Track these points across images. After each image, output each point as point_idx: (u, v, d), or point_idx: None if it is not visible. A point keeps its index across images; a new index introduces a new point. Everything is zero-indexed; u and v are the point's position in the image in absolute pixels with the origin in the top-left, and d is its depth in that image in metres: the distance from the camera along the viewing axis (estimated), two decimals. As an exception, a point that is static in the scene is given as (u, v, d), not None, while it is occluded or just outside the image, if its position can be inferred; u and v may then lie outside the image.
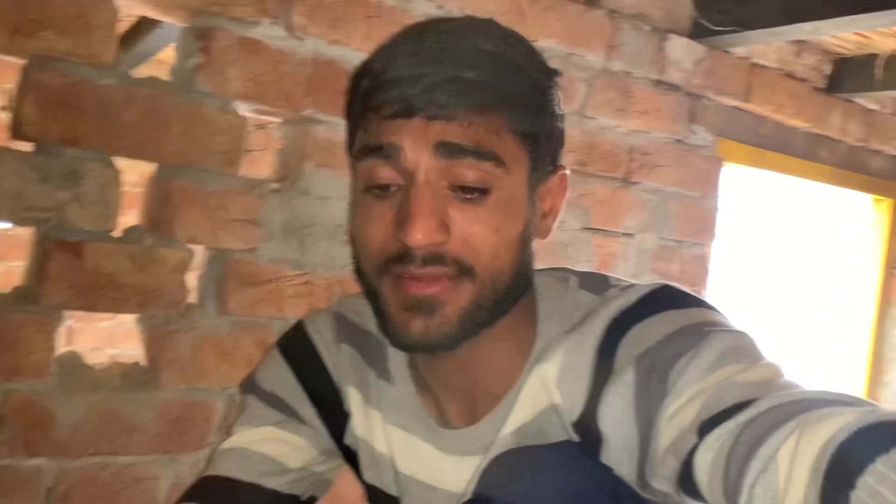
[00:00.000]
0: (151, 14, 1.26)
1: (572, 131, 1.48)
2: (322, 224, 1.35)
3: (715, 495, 0.54)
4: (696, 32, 1.88)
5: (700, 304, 0.69)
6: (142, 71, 1.19)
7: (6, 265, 2.75)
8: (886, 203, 2.58)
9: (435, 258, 0.64)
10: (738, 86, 2.01)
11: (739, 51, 2.00)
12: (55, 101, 1.09)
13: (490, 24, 0.71)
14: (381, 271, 0.67)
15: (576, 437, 0.70)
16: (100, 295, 1.15)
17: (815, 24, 1.68)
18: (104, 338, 3.30)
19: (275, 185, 1.32)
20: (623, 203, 1.82)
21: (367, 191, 0.67)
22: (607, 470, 0.67)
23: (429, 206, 0.63)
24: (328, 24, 1.33)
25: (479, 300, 0.67)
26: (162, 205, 1.21)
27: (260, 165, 2.77)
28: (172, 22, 1.28)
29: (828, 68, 2.23)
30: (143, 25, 2.14)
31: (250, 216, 1.28)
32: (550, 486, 0.65)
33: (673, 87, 1.88)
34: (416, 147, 0.63)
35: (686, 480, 0.56)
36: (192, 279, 1.26)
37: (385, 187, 0.66)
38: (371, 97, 0.66)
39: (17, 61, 1.11)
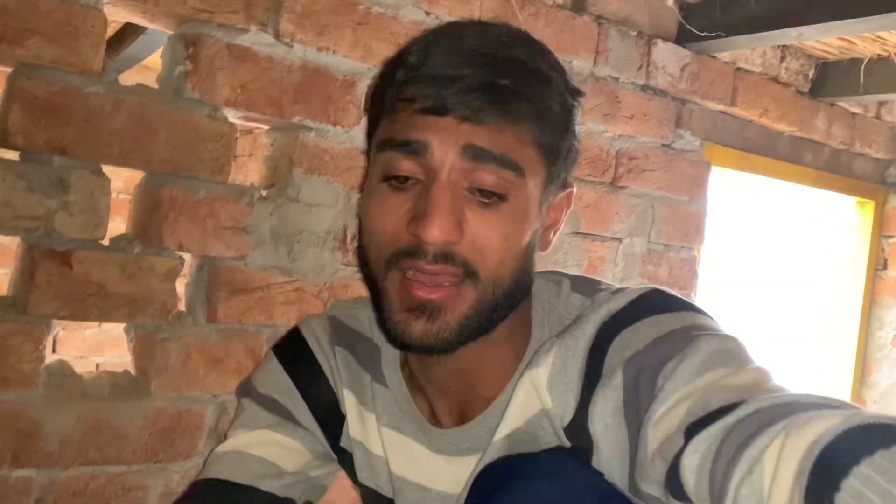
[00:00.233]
0: (139, 21, 1.26)
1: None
2: (311, 231, 1.35)
3: (701, 497, 0.54)
4: (682, 38, 1.89)
5: (689, 307, 0.70)
6: (126, 76, 1.18)
7: (-9, 273, 2.72)
8: (869, 205, 2.61)
9: (446, 256, 0.65)
10: (723, 90, 2.03)
11: (725, 56, 2.02)
12: (42, 109, 1.09)
13: (525, 35, 0.72)
14: (389, 264, 0.67)
15: (567, 443, 0.70)
16: (89, 304, 1.14)
17: (799, 30, 1.69)
18: (90, 346, 3.28)
19: (264, 192, 1.32)
20: (611, 207, 1.83)
21: (385, 180, 0.67)
22: (599, 476, 0.67)
23: (449, 204, 0.64)
24: (316, 31, 1.33)
25: (479, 306, 0.68)
26: (150, 213, 1.20)
27: (246, 171, 2.78)
28: (160, 29, 1.28)
29: (812, 72, 2.25)
30: (128, 31, 2.13)
31: (239, 223, 1.28)
32: (542, 495, 0.66)
33: (659, 92, 1.89)
34: (443, 146, 0.64)
35: (673, 483, 0.57)
36: (181, 287, 1.25)
37: (404, 179, 0.66)
38: (405, 89, 0.67)
39: (4, 69, 1.10)
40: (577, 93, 0.72)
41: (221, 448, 0.83)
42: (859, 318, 2.61)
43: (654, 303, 0.70)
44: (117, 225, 1.19)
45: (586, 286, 0.77)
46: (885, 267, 2.63)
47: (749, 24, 1.76)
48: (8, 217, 1.07)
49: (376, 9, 1.40)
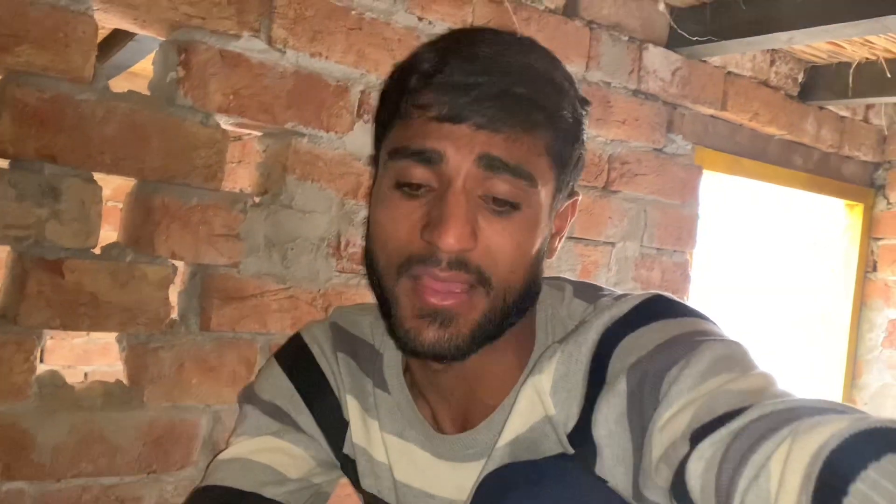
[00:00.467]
0: (131, 28, 1.25)
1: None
2: (305, 237, 1.34)
3: (707, 503, 0.54)
4: (673, 42, 1.90)
5: (692, 313, 0.70)
6: (114, 83, 1.17)
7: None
8: (858, 208, 2.63)
9: (460, 263, 0.65)
10: (714, 95, 2.04)
11: (715, 60, 2.03)
12: (33, 116, 1.07)
13: (536, 43, 0.72)
14: (400, 271, 0.67)
15: (570, 450, 0.70)
16: (80, 313, 1.13)
17: (789, 34, 1.71)
18: (78, 355, 3.25)
19: (257, 199, 1.31)
20: (604, 212, 1.83)
21: (398, 188, 0.67)
22: (602, 483, 0.67)
23: (464, 212, 0.64)
24: (309, 37, 1.32)
25: (490, 314, 0.67)
26: (143, 220, 1.19)
27: (235, 178, 2.76)
28: (152, 36, 1.27)
29: (801, 76, 2.27)
30: (116, 38, 2.12)
31: (232, 231, 1.27)
32: (546, 503, 0.65)
33: (651, 97, 1.90)
34: (458, 154, 0.64)
35: (679, 489, 0.56)
36: (174, 295, 1.24)
37: (417, 186, 0.66)
38: (419, 96, 0.66)
39: (-6, 77, 1.09)
40: (585, 102, 0.73)
41: (224, 455, 0.82)
42: (850, 321, 2.63)
43: (656, 308, 0.70)
44: (106, 233, 1.17)
45: (588, 292, 0.77)
46: (874, 269, 2.65)
47: (739, 29, 1.77)
48: (-2, 226, 1.06)
49: (369, 14, 1.40)
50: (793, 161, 2.35)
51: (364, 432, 0.82)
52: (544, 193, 0.68)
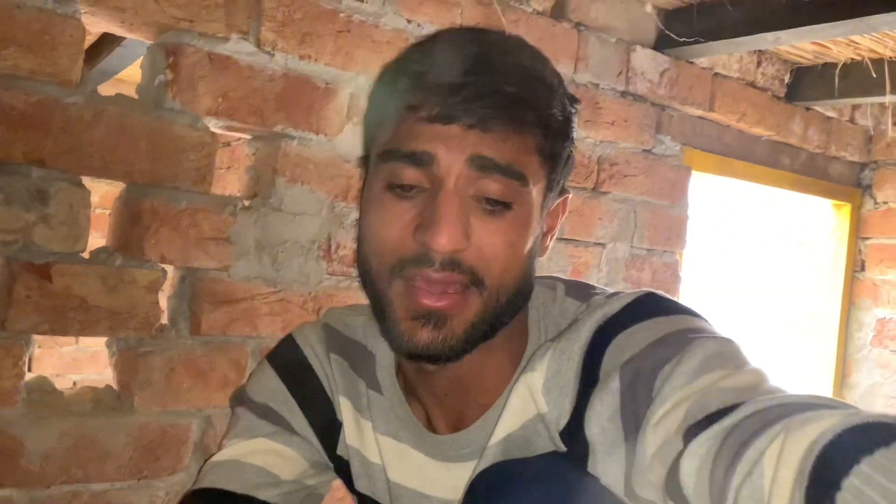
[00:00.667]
0: (118, 31, 1.24)
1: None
2: (296, 240, 1.34)
3: (701, 500, 0.54)
4: (661, 44, 1.91)
5: (683, 311, 0.70)
6: (102, 90, 1.16)
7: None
8: (846, 208, 2.64)
9: (453, 264, 0.65)
10: (702, 96, 2.05)
11: (702, 61, 2.04)
12: (20, 120, 1.07)
13: (525, 42, 0.72)
14: (393, 273, 0.67)
15: (562, 448, 0.70)
16: (69, 318, 1.12)
17: (775, 35, 1.72)
18: (67, 363, 3.23)
19: (247, 202, 1.31)
20: (594, 213, 1.84)
21: (389, 189, 0.67)
22: (595, 480, 0.67)
23: (456, 213, 0.64)
24: (298, 39, 1.32)
25: (484, 314, 0.67)
26: (132, 224, 1.18)
27: (224, 183, 2.75)
28: (140, 39, 1.26)
29: (787, 77, 2.28)
30: (104, 43, 2.11)
31: (222, 234, 1.26)
32: (539, 500, 0.65)
33: (639, 98, 1.91)
34: (449, 155, 0.64)
35: (672, 486, 0.56)
36: (163, 300, 1.24)
37: (408, 187, 0.66)
38: (409, 97, 0.66)
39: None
40: (574, 100, 0.73)
41: (217, 457, 0.82)
42: (839, 320, 2.64)
43: (649, 306, 0.70)
44: (95, 240, 1.17)
45: (581, 290, 0.77)
46: (862, 269, 2.67)
47: (726, 30, 1.78)
48: (-15, 230, 1.05)
49: (357, 17, 1.40)
50: (780, 161, 2.37)
51: (357, 433, 0.82)
52: (535, 192, 0.68)
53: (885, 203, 2.63)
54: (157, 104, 1.20)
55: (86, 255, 1.15)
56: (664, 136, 1.99)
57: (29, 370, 1.14)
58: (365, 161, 0.75)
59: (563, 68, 1.72)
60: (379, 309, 0.70)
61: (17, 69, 1.06)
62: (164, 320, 1.24)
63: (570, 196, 0.78)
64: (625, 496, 0.65)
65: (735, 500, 0.50)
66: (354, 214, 1.38)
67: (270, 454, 0.81)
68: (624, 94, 1.87)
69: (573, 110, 0.72)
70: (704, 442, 0.54)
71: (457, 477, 0.75)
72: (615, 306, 0.71)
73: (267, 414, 0.83)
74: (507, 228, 0.66)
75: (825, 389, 2.64)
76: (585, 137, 1.80)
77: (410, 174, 0.65)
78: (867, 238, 2.66)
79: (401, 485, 0.79)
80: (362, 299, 0.75)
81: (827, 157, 2.53)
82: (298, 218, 1.34)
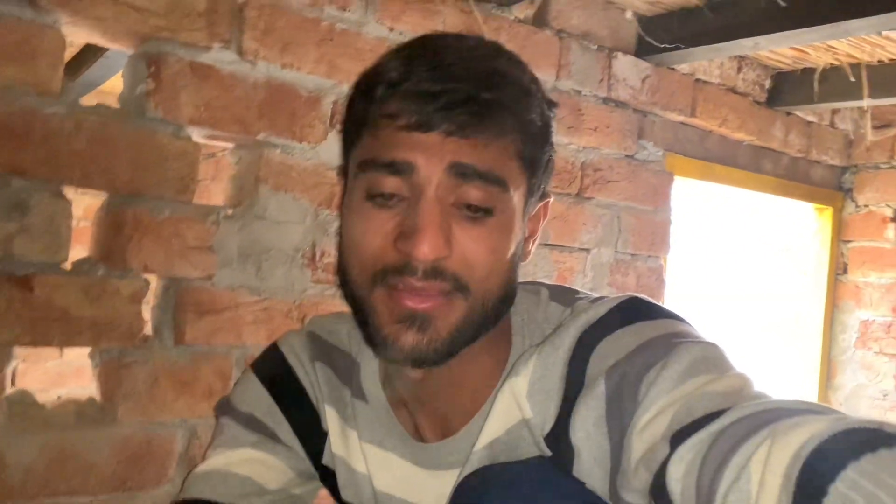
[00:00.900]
0: (99, 41, 1.24)
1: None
2: (279, 248, 1.34)
3: None
4: (642, 50, 1.93)
5: (668, 315, 0.70)
6: (85, 101, 1.16)
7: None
8: (828, 211, 2.67)
9: (436, 272, 0.64)
10: (683, 101, 2.06)
11: (684, 67, 2.05)
12: (0, 130, 1.06)
13: (502, 46, 0.72)
14: (375, 282, 0.66)
15: (547, 452, 0.69)
16: (51, 329, 1.11)
17: (754, 40, 1.74)
18: (51, 378, 3.19)
19: (230, 211, 1.30)
20: (578, 218, 1.84)
21: (369, 198, 0.66)
22: (580, 484, 0.67)
23: (438, 221, 0.64)
24: (280, 48, 1.32)
25: (469, 317, 0.67)
26: (114, 234, 1.18)
27: (209, 194, 2.74)
28: (121, 49, 1.26)
29: (767, 83, 2.31)
30: (87, 54, 2.10)
31: (206, 243, 1.26)
32: (524, 503, 0.65)
33: (621, 105, 1.92)
34: (429, 163, 0.64)
35: (659, 492, 0.56)
36: (147, 310, 1.23)
37: (388, 196, 0.66)
38: (386, 105, 0.65)
39: (-41, 91, 1.08)
40: (552, 104, 0.73)
41: (202, 468, 0.81)
42: (823, 323, 2.66)
43: (633, 311, 0.70)
44: (78, 253, 1.16)
45: (564, 295, 0.77)
46: (845, 271, 2.69)
47: (706, 36, 1.80)
48: (-35, 242, 1.04)
49: (340, 25, 1.40)
50: (762, 166, 2.39)
51: (343, 442, 0.82)
52: (517, 197, 0.68)
53: (866, 206, 2.65)
54: (138, 114, 1.19)
55: (67, 265, 1.14)
56: (647, 141, 2.00)
57: (12, 385, 1.13)
58: (344, 169, 0.74)
59: (546, 76, 1.73)
60: (362, 316, 0.69)
61: (-4, 79, 1.06)
62: (148, 330, 1.23)
63: (552, 200, 0.78)
64: (610, 500, 0.65)
65: None
66: (338, 222, 1.38)
67: (256, 464, 0.81)
68: (606, 100, 1.89)
69: (552, 114, 0.72)
70: (691, 447, 0.54)
71: (444, 485, 0.75)
72: (599, 311, 0.70)
73: (252, 423, 0.83)
74: (489, 235, 0.66)
75: (810, 392, 2.66)
76: (569, 144, 1.81)
77: (390, 183, 0.65)
78: (849, 241, 2.69)
79: (387, 494, 0.78)
80: (347, 307, 0.74)
81: (808, 161, 2.55)
82: (282, 226, 1.34)
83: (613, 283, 1.93)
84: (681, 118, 2.09)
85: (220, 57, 1.26)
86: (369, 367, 0.81)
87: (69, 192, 1.14)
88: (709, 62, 2.11)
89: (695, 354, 0.62)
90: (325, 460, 0.84)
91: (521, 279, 0.75)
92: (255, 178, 1.32)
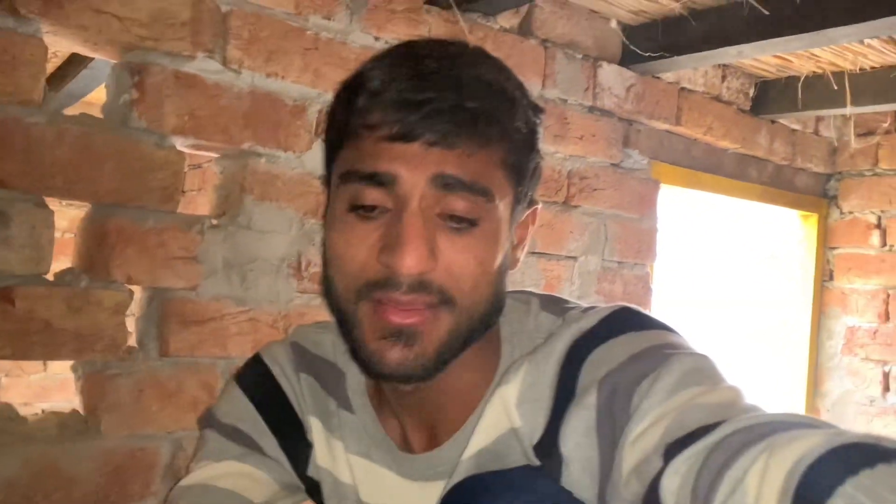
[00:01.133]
0: (82, 51, 1.23)
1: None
2: (265, 258, 1.33)
3: None
4: (626, 59, 1.94)
5: (660, 326, 0.70)
6: (69, 112, 1.15)
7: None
8: (813, 218, 2.68)
9: (421, 286, 0.63)
10: (668, 110, 2.07)
11: (668, 76, 2.07)
12: (-20, 140, 1.05)
13: (485, 53, 0.71)
14: (360, 296, 0.65)
15: (536, 461, 0.69)
16: (33, 342, 1.10)
17: (737, 48, 1.75)
18: (35, 391, 3.16)
19: (215, 221, 1.29)
20: (565, 226, 1.85)
21: (352, 210, 0.66)
22: (568, 494, 0.66)
23: (421, 233, 0.63)
24: (265, 57, 1.32)
25: (456, 331, 0.66)
26: (97, 245, 1.17)
27: (196, 205, 2.73)
28: (104, 58, 1.25)
29: (752, 91, 2.32)
30: (71, 65, 2.09)
31: (190, 253, 1.25)
32: None
33: (606, 113, 1.93)
34: (412, 175, 0.63)
35: None
36: (130, 321, 1.22)
37: (371, 208, 0.65)
38: (368, 115, 0.64)
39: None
40: (538, 110, 0.72)
41: (185, 482, 0.80)
42: (809, 329, 2.67)
43: (625, 321, 0.70)
44: (62, 265, 1.15)
45: (555, 305, 0.76)
46: (831, 278, 2.70)
47: (690, 45, 1.81)
48: (-55, 253, 1.03)
49: (325, 34, 1.40)
50: (748, 174, 2.40)
51: (328, 454, 0.81)
52: (503, 207, 0.67)
53: (851, 213, 2.67)
54: (122, 123, 1.19)
55: (50, 276, 1.13)
56: (632, 150, 2.01)
57: (-6, 398, 1.11)
58: (327, 180, 0.74)
59: (531, 84, 1.74)
60: (346, 331, 0.68)
61: (-24, 89, 1.05)
62: (132, 342, 1.22)
63: (540, 207, 0.78)
64: (598, 510, 0.64)
65: None
66: (323, 233, 1.37)
67: (240, 477, 0.79)
68: (591, 109, 1.89)
69: (537, 121, 0.71)
70: (686, 460, 0.53)
71: (431, 496, 0.74)
72: (591, 320, 0.70)
73: (236, 436, 0.81)
74: (475, 245, 0.65)
75: (798, 398, 2.66)
76: (555, 152, 1.81)
77: (373, 195, 0.64)
78: (835, 248, 2.70)
79: None
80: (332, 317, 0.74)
81: (793, 168, 2.57)
82: (268, 236, 1.33)
83: (601, 290, 1.93)
84: (666, 126, 2.10)
85: (205, 66, 1.25)
86: (355, 377, 0.80)
87: (51, 202, 1.13)
88: (693, 71, 2.13)
89: (687, 366, 0.62)
90: (311, 472, 0.83)
91: (509, 287, 0.75)
92: (241, 187, 1.31)
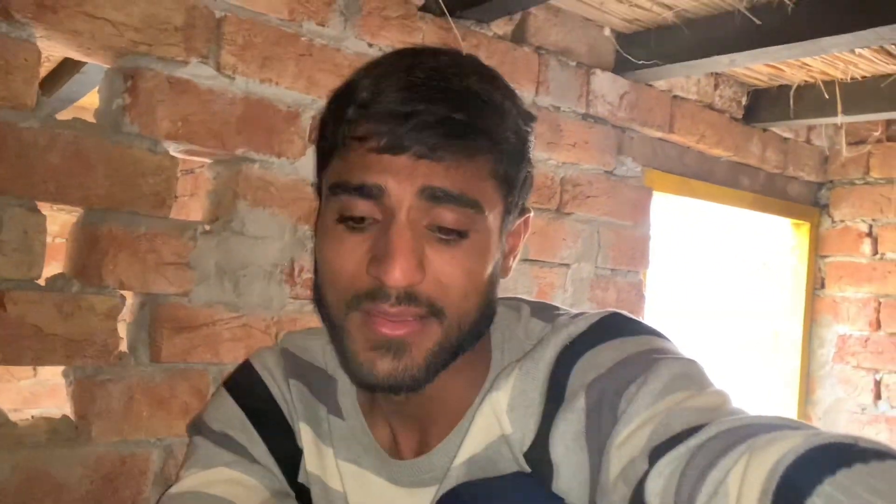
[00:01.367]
0: (75, 55, 1.23)
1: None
2: (258, 264, 1.33)
3: None
4: (620, 67, 1.94)
5: (649, 331, 0.70)
6: (61, 117, 1.14)
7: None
8: (805, 227, 2.69)
9: (409, 297, 0.63)
10: (661, 118, 2.08)
11: (661, 84, 2.08)
12: (-28, 145, 1.05)
13: (476, 62, 0.71)
14: (350, 307, 0.66)
15: (526, 468, 0.69)
16: (24, 347, 1.09)
17: (730, 57, 1.76)
18: (25, 397, 3.15)
19: (207, 227, 1.29)
20: (558, 234, 1.85)
21: (341, 221, 0.66)
22: (559, 500, 0.66)
23: (410, 245, 0.63)
24: (258, 63, 1.32)
25: (445, 342, 0.66)
26: (89, 250, 1.16)
27: (188, 211, 2.72)
28: (97, 63, 1.25)
29: (744, 99, 2.33)
30: (64, 70, 2.09)
31: (183, 258, 1.24)
32: None
33: (600, 121, 1.93)
34: (400, 187, 0.63)
35: None
36: (122, 327, 1.21)
37: (360, 219, 0.65)
38: (356, 127, 0.64)
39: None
40: (529, 118, 0.72)
41: (175, 489, 0.79)
42: (801, 337, 2.68)
43: (614, 326, 0.70)
44: (53, 270, 1.14)
45: (546, 312, 0.77)
46: (822, 286, 2.71)
47: (683, 53, 1.82)
48: (-65, 258, 1.02)
49: (319, 41, 1.40)
50: (740, 182, 2.41)
51: (318, 460, 0.80)
52: (492, 217, 0.67)
53: (842, 221, 2.69)
54: (115, 128, 1.18)
55: (41, 281, 1.12)
56: (625, 157, 2.02)
57: (-16, 403, 1.10)
58: (318, 188, 0.74)
59: (525, 92, 1.74)
60: (338, 341, 0.69)
61: (-31, 93, 1.04)
62: (123, 347, 1.22)
63: (532, 215, 0.78)
64: (588, 516, 0.64)
65: None
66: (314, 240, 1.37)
67: (230, 484, 0.79)
68: (585, 116, 1.90)
69: (528, 130, 0.71)
70: (670, 462, 0.54)
71: (420, 502, 0.74)
72: (580, 326, 0.70)
73: (225, 442, 0.81)
74: (464, 257, 0.65)
75: (790, 406, 2.67)
76: (548, 159, 1.82)
77: (361, 206, 0.64)
78: (826, 256, 2.71)
79: None
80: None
81: (785, 177, 2.58)
82: (260, 241, 1.33)
83: (593, 298, 1.93)
84: (659, 134, 2.11)
85: (198, 71, 1.25)
86: (346, 383, 0.80)
87: (43, 207, 1.12)
88: (686, 79, 2.14)
89: (674, 371, 0.62)
90: (301, 479, 0.82)
91: (501, 294, 0.75)
92: (233, 193, 1.31)
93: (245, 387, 0.84)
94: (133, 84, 1.19)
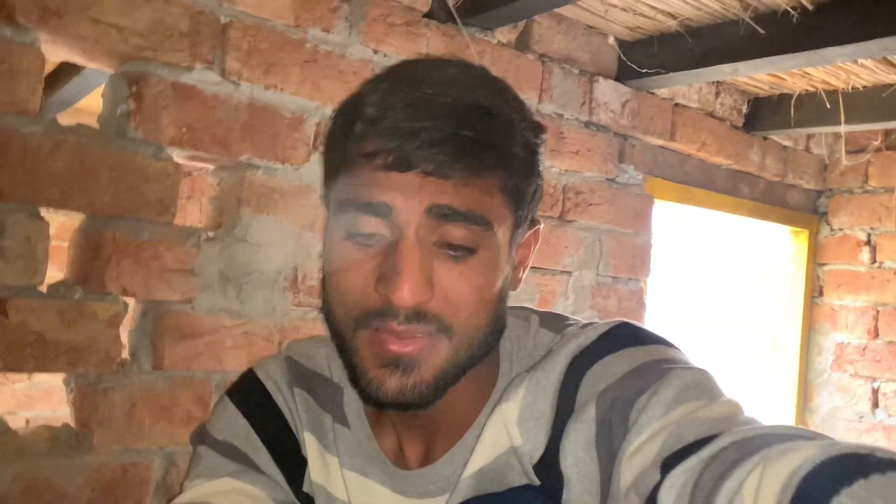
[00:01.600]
0: (79, 61, 1.22)
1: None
2: (261, 272, 1.32)
3: None
4: (622, 75, 1.94)
5: (658, 340, 0.70)
6: (62, 119, 1.13)
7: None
8: (804, 234, 2.70)
9: (418, 315, 0.63)
10: (663, 125, 2.08)
11: (663, 92, 2.08)
12: (-24, 150, 1.04)
13: (485, 74, 0.70)
14: (358, 324, 0.65)
15: (536, 481, 0.68)
16: (25, 354, 1.08)
17: (733, 66, 1.76)
18: (19, 400, 3.12)
19: (211, 233, 1.28)
20: (560, 241, 1.85)
21: (349, 237, 0.65)
22: (569, 514, 0.66)
23: (418, 264, 0.62)
24: (263, 69, 1.31)
25: (454, 358, 0.66)
26: (92, 256, 1.15)
27: (185, 214, 2.71)
28: (102, 69, 1.24)
29: (745, 107, 2.34)
30: (62, 72, 2.07)
31: (186, 265, 1.23)
32: None
33: (602, 128, 1.93)
34: (407, 205, 0.62)
35: None
36: (125, 334, 1.20)
37: (368, 236, 0.64)
38: (364, 143, 0.64)
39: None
40: (538, 129, 0.71)
41: (180, 500, 0.79)
42: (799, 345, 2.68)
43: (624, 336, 0.70)
44: (52, 273, 1.13)
45: (554, 322, 0.76)
46: (820, 294, 2.72)
47: (686, 62, 1.82)
48: (-63, 264, 1.01)
49: (323, 47, 1.39)
50: (740, 190, 2.42)
51: (323, 470, 0.80)
52: (501, 233, 0.66)
53: (841, 230, 2.69)
54: (119, 134, 1.18)
55: (43, 288, 1.11)
56: (627, 165, 2.02)
57: (-18, 409, 1.09)
58: (326, 199, 0.73)
59: (528, 99, 1.74)
60: (346, 357, 0.68)
61: (-27, 98, 1.03)
62: (126, 355, 1.21)
63: (542, 227, 0.78)
64: (600, 527, 0.64)
65: None
66: (321, 249, 1.37)
67: (235, 494, 0.78)
68: (587, 124, 1.90)
69: (538, 142, 0.70)
70: (682, 473, 0.54)
71: None
72: (590, 336, 0.70)
73: (230, 452, 0.80)
74: (473, 273, 0.65)
75: (788, 414, 2.67)
76: (551, 167, 1.81)
77: (369, 224, 0.64)
78: (824, 264, 2.72)
79: None
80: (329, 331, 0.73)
81: (784, 185, 2.59)
82: (264, 248, 1.32)
83: (595, 305, 1.93)
84: (660, 142, 2.11)
85: (203, 77, 1.25)
86: (352, 392, 0.79)
87: (46, 213, 1.11)
88: (688, 87, 2.14)
89: (685, 380, 0.62)
90: (305, 488, 0.82)
91: (509, 303, 0.75)
92: (237, 199, 1.30)
93: (248, 396, 0.84)
94: (138, 90, 1.19)
